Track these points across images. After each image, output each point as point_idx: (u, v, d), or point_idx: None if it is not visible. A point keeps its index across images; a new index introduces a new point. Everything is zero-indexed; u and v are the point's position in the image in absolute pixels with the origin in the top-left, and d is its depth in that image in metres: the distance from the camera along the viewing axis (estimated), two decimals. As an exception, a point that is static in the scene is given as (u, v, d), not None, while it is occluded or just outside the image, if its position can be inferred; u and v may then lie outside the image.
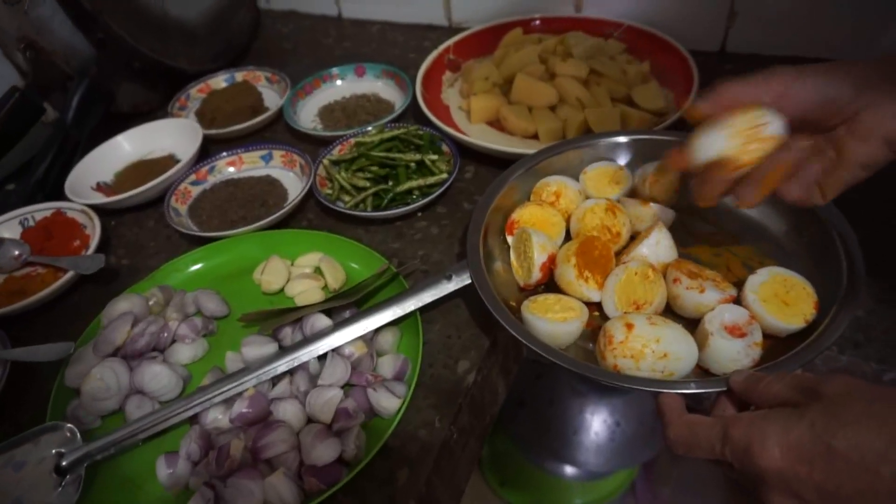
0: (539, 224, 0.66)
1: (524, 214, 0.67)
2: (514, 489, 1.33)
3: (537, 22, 0.99)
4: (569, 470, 1.28)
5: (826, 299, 0.54)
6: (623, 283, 0.59)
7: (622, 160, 0.72)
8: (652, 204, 0.66)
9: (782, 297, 0.55)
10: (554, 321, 0.56)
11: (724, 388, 0.48)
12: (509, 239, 0.67)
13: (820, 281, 0.56)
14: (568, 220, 0.68)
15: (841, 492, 0.35)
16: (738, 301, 0.57)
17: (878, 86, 0.47)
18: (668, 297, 0.59)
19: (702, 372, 0.55)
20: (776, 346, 0.54)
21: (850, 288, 0.54)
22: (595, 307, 0.61)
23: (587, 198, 0.69)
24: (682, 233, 0.65)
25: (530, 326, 0.57)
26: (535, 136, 0.83)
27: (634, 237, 0.65)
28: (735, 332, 0.53)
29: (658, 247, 0.61)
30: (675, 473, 1.31)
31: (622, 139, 0.71)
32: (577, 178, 0.71)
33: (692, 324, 0.56)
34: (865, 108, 0.47)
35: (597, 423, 1.19)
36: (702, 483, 1.25)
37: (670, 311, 0.60)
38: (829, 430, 0.36)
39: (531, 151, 0.73)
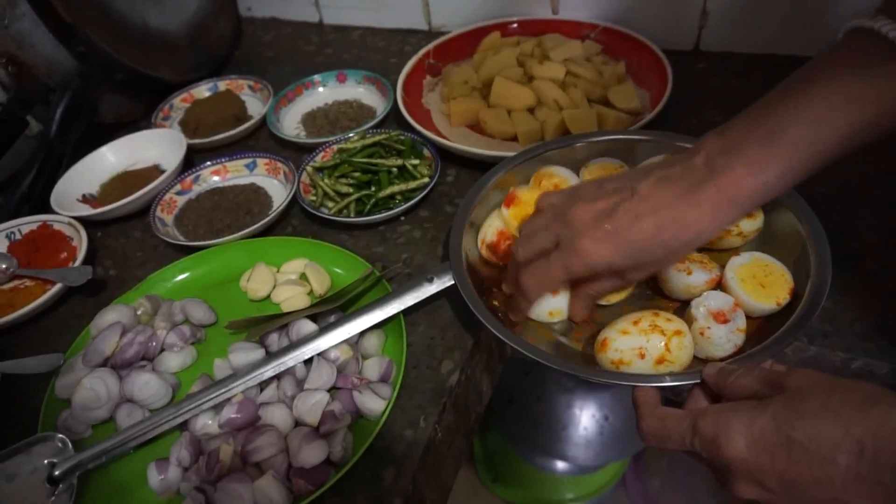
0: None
1: (527, 196, 0.68)
2: (507, 485, 1.35)
3: (515, 25, 1.01)
4: (560, 465, 1.30)
5: (800, 289, 0.56)
6: None
7: (598, 160, 0.73)
8: None
9: (760, 280, 0.57)
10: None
11: (698, 381, 0.50)
12: (505, 211, 0.68)
13: (792, 271, 0.58)
14: None
15: (800, 480, 0.37)
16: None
17: None
18: (658, 280, 0.61)
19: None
20: (755, 334, 0.56)
21: (817, 280, 0.56)
22: None
23: None
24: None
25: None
26: (514, 139, 0.85)
27: None
28: (719, 318, 0.55)
29: None
30: (664, 465, 1.33)
31: (599, 139, 0.73)
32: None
33: (684, 305, 0.59)
34: None
35: (585, 418, 1.21)
36: (690, 473, 1.27)
37: (662, 293, 0.62)
38: (790, 422, 0.38)
39: (510, 154, 0.74)
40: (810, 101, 0.47)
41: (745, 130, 0.49)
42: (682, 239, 0.51)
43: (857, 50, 0.47)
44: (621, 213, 0.52)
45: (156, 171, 0.93)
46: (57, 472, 0.55)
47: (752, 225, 0.62)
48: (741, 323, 0.55)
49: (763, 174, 0.48)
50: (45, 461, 0.56)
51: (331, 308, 0.65)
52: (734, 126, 0.50)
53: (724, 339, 0.54)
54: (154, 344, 0.66)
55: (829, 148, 0.47)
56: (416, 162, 0.80)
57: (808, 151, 0.47)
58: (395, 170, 0.80)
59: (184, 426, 0.59)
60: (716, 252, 0.64)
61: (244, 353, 0.62)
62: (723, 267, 0.60)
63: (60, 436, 0.58)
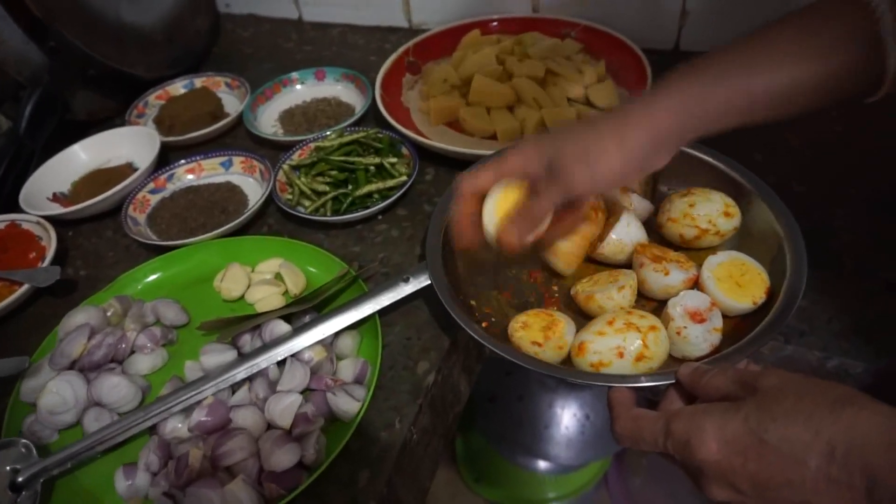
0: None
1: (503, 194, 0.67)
2: (489, 485, 1.35)
3: (495, 23, 1.00)
4: (542, 464, 1.30)
5: (776, 289, 0.56)
6: None
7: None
8: (631, 192, 0.68)
9: (736, 279, 0.58)
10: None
11: (673, 381, 0.49)
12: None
13: (769, 271, 0.58)
14: None
15: (772, 482, 0.37)
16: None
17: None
18: (637, 281, 0.61)
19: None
20: (731, 334, 0.56)
21: (793, 279, 0.56)
22: None
23: None
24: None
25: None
26: (493, 137, 0.84)
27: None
28: (696, 317, 0.55)
29: (629, 228, 0.63)
30: (645, 463, 1.33)
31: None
32: None
33: (661, 306, 0.59)
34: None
35: (567, 417, 1.21)
36: (672, 472, 1.27)
37: (642, 294, 0.62)
38: (762, 424, 0.38)
39: (489, 152, 0.74)
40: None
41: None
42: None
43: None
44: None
45: (129, 169, 0.91)
46: (20, 479, 0.54)
47: (729, 224, 0.62)
48: (717, 322, 0.55)
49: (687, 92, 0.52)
50: (8, 467, 0.55)
51: (305, 308, 0.64)
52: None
53: (701, 338, 0.54)
54: (124, 346, 0.65)
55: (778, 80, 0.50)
56: (394, 160, 0.79)
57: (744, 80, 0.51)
58: (372, 168, 0.79)
59: (153, 430, 0.58)
60: (693, 251, 0.64)
61: (216, 355, 0.61)
62: (700, 266, 0.59)
63: (24, 441, 0.56)
